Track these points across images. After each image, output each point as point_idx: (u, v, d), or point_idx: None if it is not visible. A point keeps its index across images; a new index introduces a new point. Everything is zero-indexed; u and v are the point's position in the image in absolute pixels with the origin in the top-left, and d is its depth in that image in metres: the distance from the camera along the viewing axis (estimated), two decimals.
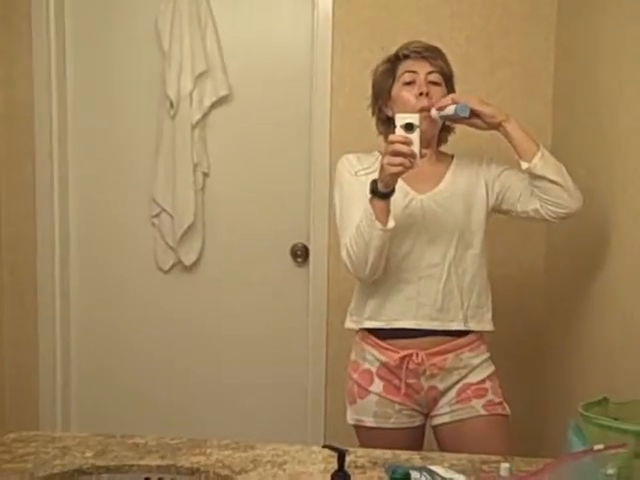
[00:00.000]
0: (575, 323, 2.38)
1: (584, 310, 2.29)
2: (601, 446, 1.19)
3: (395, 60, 2.08)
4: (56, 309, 3.11)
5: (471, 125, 1.97)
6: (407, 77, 2.03)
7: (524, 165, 1.91)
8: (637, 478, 1.19)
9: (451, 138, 2.18)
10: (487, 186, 2.06)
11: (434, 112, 1.96)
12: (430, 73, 2.02)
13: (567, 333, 2.48)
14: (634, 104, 1.95)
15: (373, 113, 2.16)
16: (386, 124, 2.10)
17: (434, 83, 2.02)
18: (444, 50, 2.11)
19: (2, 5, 2.99)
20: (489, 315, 2.08)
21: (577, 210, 1.95)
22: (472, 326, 2.04)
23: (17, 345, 3.13)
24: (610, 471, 1.16)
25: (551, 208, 1.94)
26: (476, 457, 1.56)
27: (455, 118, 1.95)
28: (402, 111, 1.91)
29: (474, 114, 1.93)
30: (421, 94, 1.99)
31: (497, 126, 1.94)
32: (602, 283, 2.15)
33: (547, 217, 1.97)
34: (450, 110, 1.92)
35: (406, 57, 2.05)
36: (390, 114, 2.06)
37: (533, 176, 1.92)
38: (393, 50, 2.10)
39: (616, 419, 1.31)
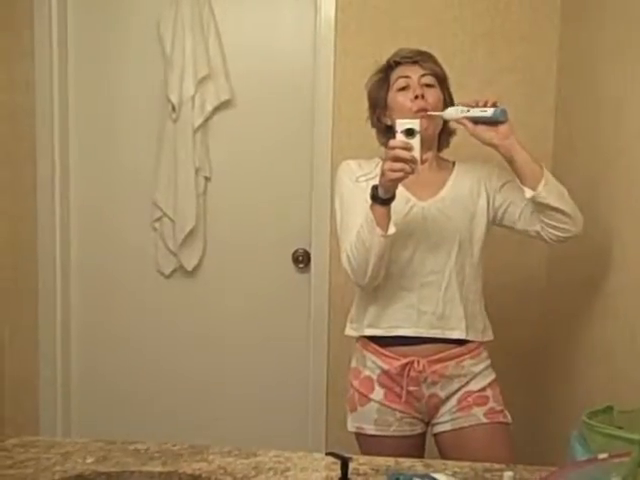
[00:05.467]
0: (577, 330, 2.38)
1: (586, 317, 2.29)
2: (605, 455, 1.19)
3: (387, 69, 2.09)
4: (57, 314, 3.11)
5: (479, 135, 1.91)
6: (401, 83, 2.03)
7: (528, 193, 1.87)
8: None
9: (452, 143, 2.18)
10: (488, 197, 2.05)
11: (452, 111, 1.92)
12: (423, 76, 2.02)
13: (569, 340, 2.47)
14: (637, 111, 1.95)
15: (372, 125, 2.15)
16: (386, 134, 2.09)
17: (428, 85, 2.02)
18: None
19: (4, 8, 3.00)
20: (482, 326, 2.07)
21: (578, 233, 1.93)
22: (472, 335, 2.03)
23: (18, 350, 3.12)
24: None
25: (552, 232, 1.93)
26: (479, 465, 1.55)
27: (483, 120, 1.87)
28: (400, 117, 1.90)
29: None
30: (416, 97, 1.99)
31: (504, 149, 1.89)
32: (604, 290, 2.15)
33: (548, 239, 1.96)
34: (486, 112, 1.87)
35: (398, 64, 2.06)
36: (389, 123, 2.07)
37: (536, 203, 1.90)
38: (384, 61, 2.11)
39: (620, 427, 1.30)
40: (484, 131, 1.88)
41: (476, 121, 1.88)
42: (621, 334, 2.00)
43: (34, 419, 3.12)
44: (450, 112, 1.94)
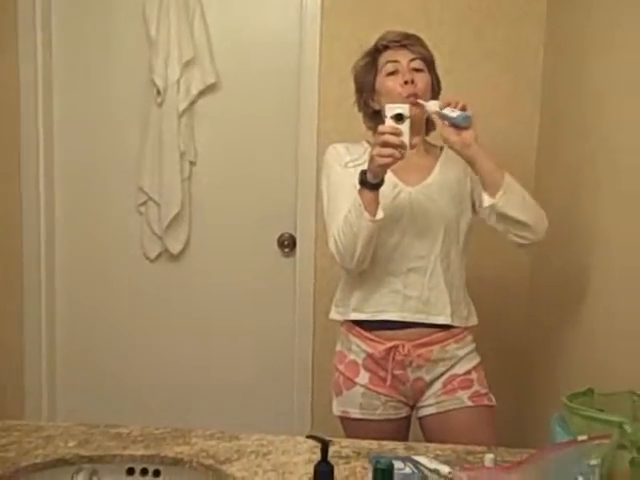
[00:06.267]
0: (560, 316, 2.39)
1: (569, 302, 2.29)
2: (585, 437, 1.20)
3: (375, 52, 2.06)
4: (42, 298, 3.10)
5: (444, 136, 1.88)
6: (390, 67, 2.01)
7: (487, 201, 1.86)
8: (620, 469, 1.19)
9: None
10: (472, 185, 2.05)
11: (432, 105, 1.90)
12: (412, 60, 2.01)
13: (552, 325, 2.48)
14: (622, 98, 1.95)
15: (359, 109, 2.14)
16: (373, 118, 2.08)
17: (417, 70, 2.00)
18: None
19: None
20: (465, 311, 2.07)
21: (540, 240, 1.93)
22: (457, 321, 2.03)
23: (2, 335, 3.11)
24: (593, 462, 1.16)
25: (513, 238, 1.92)
26: (460, 448, 1.56)
27: (448, 121, 1.85)
28: (389, 101, 1.89)
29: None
30: (406, 82, 1.97)
31: (466, 156, 1.88)
32: (587, 277, 2.14)
33: (511, 241, 1.95)
34: (453, 113, 1.84)
35: (386, 48, 2.04)
36: (377, 107, 2.05)
37: (494, 212, 1.88)
38: (371, 45, 2.08)
39: (601, 410, 1.31)
40: (450, 134, 1.86)
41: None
42: (603, 320, 2.00)
43: (19, 405, 3.11)
44: (430, 105, 1.91)
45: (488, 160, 1.86)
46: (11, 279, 3.08)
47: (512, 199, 1.86)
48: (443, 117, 1.86)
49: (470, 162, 1.88)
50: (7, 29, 2.97)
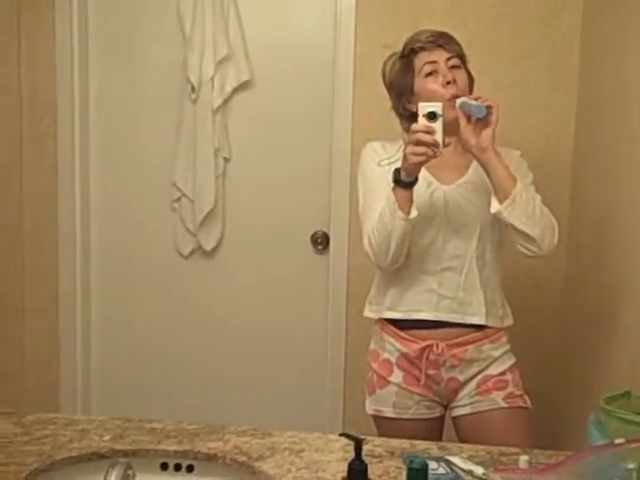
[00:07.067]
0: (597, 316, 2.36)
1: (606, 303, 2.26)
2: (622, 440, 1.18)
3: (410, 54, 2.03)
4: (77, 294, 3.13)
5: (463, 138, 1.87)
6: (428, 68, 1.98)
7: (494, 208, 1.85)
8: None
9: None
10: None
11: (461, 100, 1.88)
12: (449, 59, 1.98)
13: (589, 325, 2.45)
14: None
15: (397, 113, 2.10)
16: (410, 120, 2.01)
17: (455, 67, 1.98)
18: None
19: None
20: (501, 312, 2.05)
21: (546, 254, 1.90)
22: (492, 321, 2.01)
23: (38, 333, 3.15)
24: (630, 465, 1.14)
25: (519, 248, 1.90)
26: (495, 449, 1.55)
27: (466, 108, 1.85)
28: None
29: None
30: (448, 83, 1.95)
31: (480, 160, 1.87)
32: (626, 276, 2.12)
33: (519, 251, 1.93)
34: (472, 102, 1.84)
35: (422, 49, 2.00)
36: (414, 109, 1.99)
37: (501, 220, 1.88)
38: (397, 47, 2.06)
39: (638, 413, 1.29)
40: (469, 135, 1.85)
41: (469, 118, 1.84)
42: None
43: (54, 399, 3.14)
44: (458, 101, 1.89)
45: (502, 167, 1.84)
46: (47, 274, 3.12)
47: (518, 210, 1.83)
48: (466, 106, 1.84)
49: (484, 166, 1.86)
50: (45, 26, 3.01)
